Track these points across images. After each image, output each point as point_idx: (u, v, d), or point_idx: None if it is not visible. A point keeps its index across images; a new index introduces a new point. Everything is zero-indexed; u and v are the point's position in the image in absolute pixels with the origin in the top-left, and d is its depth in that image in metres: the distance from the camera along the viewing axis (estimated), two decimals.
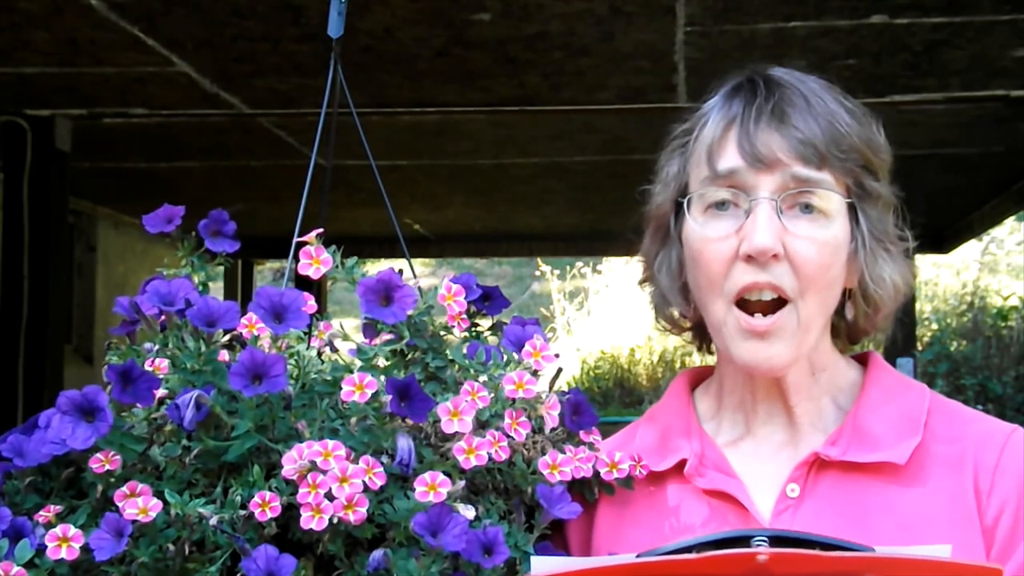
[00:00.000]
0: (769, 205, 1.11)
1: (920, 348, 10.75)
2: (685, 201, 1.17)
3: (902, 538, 1.08)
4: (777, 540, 0.90)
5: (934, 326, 12.48)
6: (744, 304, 1.13)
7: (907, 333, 8.60)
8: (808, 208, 1.12)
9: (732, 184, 1.13)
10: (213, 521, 0.96)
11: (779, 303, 1.12)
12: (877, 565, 0.88)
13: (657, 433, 1.23)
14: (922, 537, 1.08)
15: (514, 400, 1.07)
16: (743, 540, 0.90)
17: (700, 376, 1.30)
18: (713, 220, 1.14)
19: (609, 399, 12.44)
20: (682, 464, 1.18)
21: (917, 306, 10.57)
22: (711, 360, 1.27)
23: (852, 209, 1.15)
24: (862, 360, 1.25)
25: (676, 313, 1.24)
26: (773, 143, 1.11)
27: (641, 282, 1.27)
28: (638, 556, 0.90)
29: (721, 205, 1.14)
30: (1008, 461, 1.13)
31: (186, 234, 1.21)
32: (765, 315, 1.12)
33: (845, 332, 1.23)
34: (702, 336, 1.25)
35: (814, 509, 1.13)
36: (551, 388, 1.13)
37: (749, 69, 1.19)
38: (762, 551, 0.85)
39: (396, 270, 1.11)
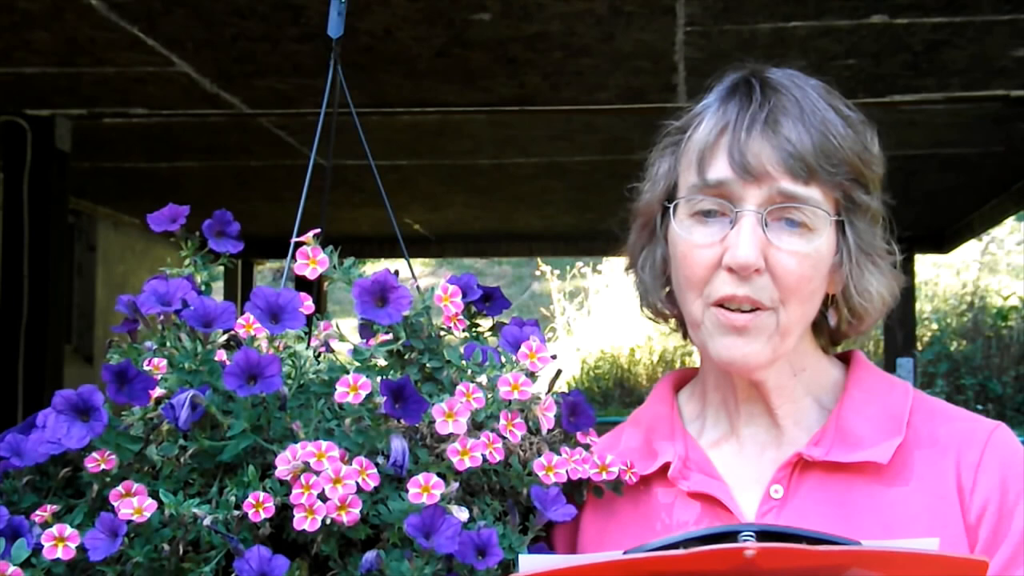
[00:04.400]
0: (754, 218, 1.11)
1: (920, 348, 10.75)
2: (672, 206, 1.17)
3: (886, 536, 1.08)
4: (764, 535, 0.90)
5: (934, 326, 12.49)
6: (723, 307, 1.13)
7: (907, 333, 8.61)
8: (793, 222, 1.12)
9: (720, 194, 1.13)
10: (207, 521, 0.96)
11: (758, 309, 1.13)
12: (864, 559, 0.88)
13: (642, 436, 1.23)
14: (906, 535, 1.08)
15: (510, 402, 1.07)
16: (730, 535, 0.90)
17: (684, 378, 1.30)
18: (699, 226, 1.14)
19: (609, 399, 12.45)
20: (666, 467, 1.19)
21: (917, 306, 10.56)
22: None
23: (839, 221, 1.15)
24: (845, 359, 1.25)
25: (659, 305, 1.25)
26: (763, 154, 1.11)
27: (627, 269, 1.27)
28: (625, 553, 0.90)
29: (708, 212, 1.14)
30: (991, 459, 1.13)
31: (188, 234, 1.22)
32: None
33: (827, 333, 1.23)
34: (685, 326, 1.25)
35: (798, 509, 1.13)
36: (550, 389, 1.13)
37: (748, 68, 1.19)
38: (749, 546, 0.85)
39: (392, 271, 1.11)
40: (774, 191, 1.11)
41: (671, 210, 1.17)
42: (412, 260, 1.44)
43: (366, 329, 1.13)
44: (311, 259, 1.12)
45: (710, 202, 1.13)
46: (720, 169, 1.13)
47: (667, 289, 1.23)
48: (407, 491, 0.99)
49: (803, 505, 1.13)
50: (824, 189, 1.12)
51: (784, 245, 1.11)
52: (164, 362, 1.10)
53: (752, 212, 1.11)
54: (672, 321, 1.27)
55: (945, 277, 13.94)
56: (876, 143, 1.18)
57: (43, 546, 0.98)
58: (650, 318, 1.27)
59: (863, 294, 1.17)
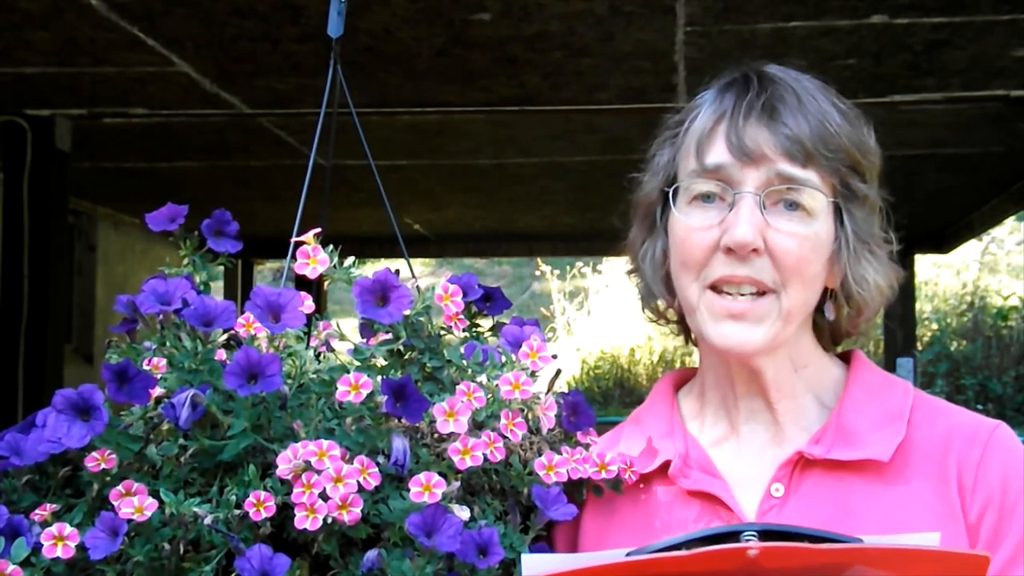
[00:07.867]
0: (752, 199, 1.12)
1: (920, 348, 10.75)
2: (671, 191, 1.18)
3: (887, 535, 1.08)
4: (766, 534, 0.90)
5: (934, 326, 12.49)
6: (720, 292, 1.14)
7: (907, 333, 8.61)
8: (792, 205, 1.13)
9: (718, 178, 1.14)
10: (208, 520, 0.96)
11: (760, 295, 1.13)
12: (866, 556, 0.88)
13: (642, 434, 1.23)
14: (906, 533, 1.07)
15: (510, 401, 1.07)
16: (732, 535, 0.90)
17: (684, 377, 1.30)
18: (698, 210, 1.15)
19: (609, 399, 12.45)
20: (667, 465, 1.18)
21: (917, 306, 10.56)
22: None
23: (837, 209, 1.16)
24: (845, 358, 1.25)
25: (661, 305, 1.25)
26: (760, 138, 1.12)
27: (629, 272, 1.28)
28: (628, 554, 0.90)
29: (707, 197, 1.15)
30: (991, 458, 1.13)
31: (188, 233, 1.22)
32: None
33: (828, 332, 1.23)
34: (687, 328, 1.25)
35: (799, 508, 1.13)
36: (550, 389, 1.13)
37: (745, 65, 1.20)
38: (752, 545, 0.85)
39: (393, 270, 1.11)
40: (772, 173, 1.12)
41: (671, 197, 1.17)
42: (412, 260, 1.44)
43: (366, 328, 1.13)
44: (311, 258, 1.12)
45: (709, 184, 1.14)
46: (718, 154, 1.14)
47: (668, 281, 1.23)
48: (408, 490, 0.99)
49: (804, 504, 1.13)
50: (822, 174, 1.13)
51: (783, 227, 1.12)
52: (163, 362, 1.10)
53: (750, 194, 1.12)
54: (673, 325, 1.27)
55: (945, 277, 13.95)
56: (872, 137, 1.19)
57: (43, 545, 0.98)
58: (651, 320, 1.28)
59: (861, 283, 1.17)
